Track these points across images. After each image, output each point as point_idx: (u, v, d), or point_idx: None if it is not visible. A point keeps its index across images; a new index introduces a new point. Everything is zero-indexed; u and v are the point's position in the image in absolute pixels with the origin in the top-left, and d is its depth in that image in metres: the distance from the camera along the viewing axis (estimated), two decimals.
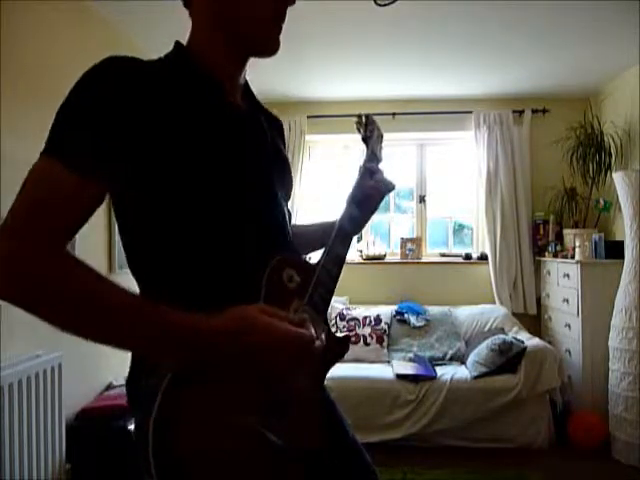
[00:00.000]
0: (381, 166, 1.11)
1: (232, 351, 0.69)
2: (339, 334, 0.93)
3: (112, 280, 0.70)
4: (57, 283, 0.67)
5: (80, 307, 0.68)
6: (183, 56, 0.85)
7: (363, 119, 1.17)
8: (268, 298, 0.79)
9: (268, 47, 0.87)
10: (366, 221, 1.06)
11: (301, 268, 0.86)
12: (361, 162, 1.10)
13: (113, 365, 2.69)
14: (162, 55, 0.86)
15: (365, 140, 1.15)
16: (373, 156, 1.12)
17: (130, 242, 0.82)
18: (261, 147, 0.90)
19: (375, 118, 1.21)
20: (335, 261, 0.91)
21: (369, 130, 1.16)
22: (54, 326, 0.68)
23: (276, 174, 0.92)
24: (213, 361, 0.70)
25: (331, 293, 0.89)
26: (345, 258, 0.93)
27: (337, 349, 0.93)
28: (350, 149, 4.44)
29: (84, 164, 0.70)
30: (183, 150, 0.76)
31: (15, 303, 0.67)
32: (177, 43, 0.88)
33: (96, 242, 2.64)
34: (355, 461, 1.00)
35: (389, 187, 1.06)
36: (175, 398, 0.68)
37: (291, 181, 1.01)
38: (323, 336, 0.82)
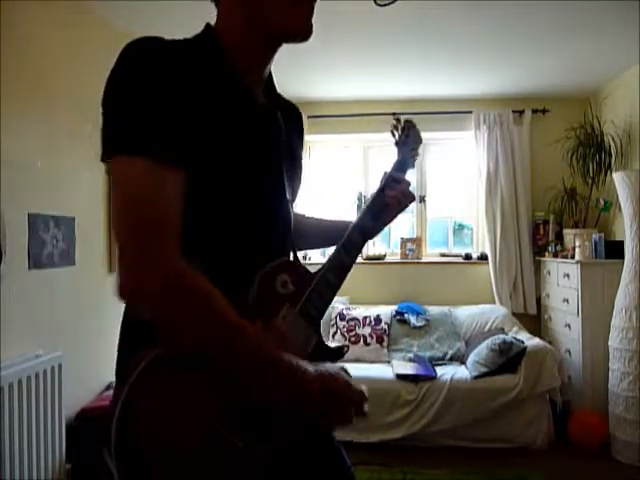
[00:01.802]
0: (408, 175, 1.08)
1: (316, 397, 0.73)
2: (332, 344, 0.91)
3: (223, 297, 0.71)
4: (192, 296, 0.69)
5: (208, 324, 0.69)
6: (212, 42, 0.83)
7: (401, 123, 1.13)
8: (259, 298, 0.81)
9: (296, 29, 0.83)
10: (378, 232, 1.05)
11: (298, 276, 0.86)
12: (388, 169, 1.07)
13: (113, 365, 2.69)
14: (190, 36, 0.84)
15: (398, 145, 1.11)
16: (402, 163, 1.08)
17: None
18: (275, 146, 0.89)
19: (415, 123, 1.15)
20: (338, 271, 0.90)
21: (405, 135, 1.12)
22: (176, 339, 0.70)
23: (287, 173, 0.91)
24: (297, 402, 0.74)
25: (327, 303, 0.88)
26: (350, 268, 0.92)
27: (327, 359, 0.89)
28: (350, 149, 4.44)
29: (173, 154, 0.70)
30: (208, 137, 0.75)
31: (150, 309, 0.69)
32: (207, 26, 0.85)
33: (96, 242, 2.64)
34: (332, 460, 0.99)
35: (409, 199, 1.04)
36: (148, 384, 0.70)
37: (300, 180, 1.00)
38: (312, 342, 0.86)
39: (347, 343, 3.52)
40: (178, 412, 0.71)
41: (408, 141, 1.11)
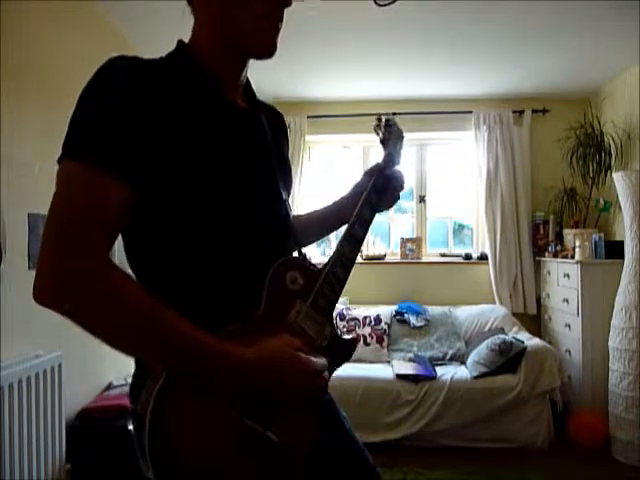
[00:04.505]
0: (398, 168, 1.12)
1: (262, 381, 0.73)
2: (346, 336, 0.92)
3: (154, 298, 0.71)
4: (107, 298, 0.68)
5: (129, 325, 0.69)
6: (186, 56, 0.86)
7: (383, 121, 1.16)
8: (270, 299, 0.81)
9: (262, 49, 0.86)
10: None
11: (306, 271, 0.87)
12: (377, 165, 1.09)
13: (113, 365, 2.69)
14: (164, 55, 0.86)
15: (383, 142, 1.13)
16: (390, 159, 1.11)
17: (133, 241, 0.82)
18: (264, 147, 0.90)
19: (396, 119, 1.18)
20: (344, 264, 0.91)
21: (387, 132, 1.14)
22: (101, 340, 0.70)
23: (279, 174, 0.93)
24: (239, 385, 0.73)
25: (337, 295, 0.90)
26: (354, 261, 0.93)
27: (342, 351, 0.92)
28: (350, 149, 4.45)
29: (117, 164, 0.70)
30: (191, 151, 0.76)
31: (62, 314, 0.68)
32: (180, 42, 0.89)
33: None
34: (355, 461, 1.00)
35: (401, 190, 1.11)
36: (172, 394, 0.71)
37: (291, 180, 1.02)
38: (327, 335, 0.86)
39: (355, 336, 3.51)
40: (205, 417, 0.73)
41: (391, 137, 1.14)
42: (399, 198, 1.12)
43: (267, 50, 0.87)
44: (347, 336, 0.94)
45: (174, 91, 0.77)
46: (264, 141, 0.91)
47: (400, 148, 1.16)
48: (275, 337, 0.77)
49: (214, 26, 0.85)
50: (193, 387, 0.73)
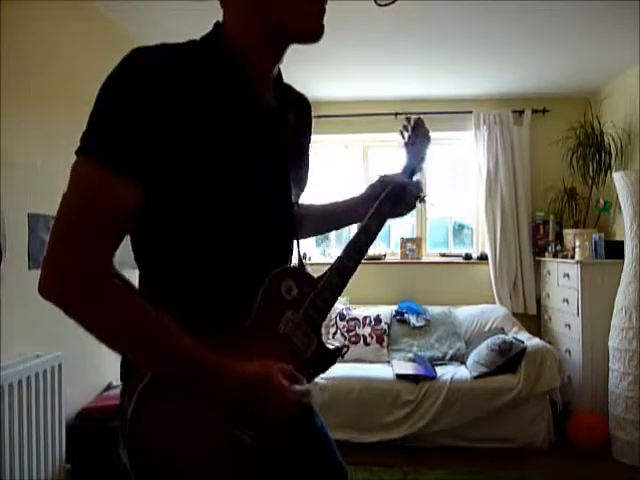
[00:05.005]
0: (417, 177, 1.08)
1: (244, 397, 0.74)
2: (331, 346, 0.92)
3: (150, 306, 0.72)
4: (110, 303, 0.70)
5: (128, 331, 0.71)
6: (217, 44, 0.81)
7: (411, 122, 1.11)
8: (263, 307, 0.82)
9: (309, 34, 0.82)
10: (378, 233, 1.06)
11: (302, 281, 0.87)
12: (396, 175, 1.06)
13: (113, 365, 2.68)
14: (199, 37, 0.83)
15: (406, 146, 1.10)
16: (409, 168, 1.08)
17: (137, 238, 0.81)
18: (282, 148, 0.87)
19: (423, 120, 1.14)
20: (342, 273, 0.91)
21: (414, 134, 1.10)
22: (100, 342, 0.71)
23: (294, 175, 0.91)
24: (221, 396, 0.74)
25: (331, 306, 0.90)
26: (354, 270, 0.93)
27: (326, 361, 0.92)
28: (350, 149, 4.44)
29: (130, 165, 0.69)
30: (204, 149, 0.75)
31: (65, 312, 0.69)
32: (216, 25, 0.84)
33: None
34: (325, 459, 1.00)
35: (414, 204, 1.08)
36: (154, 395, 0.72)
37: (306, 178, 0.99)
38: (313, 346, 0.87)
39: (347, 343, 3.51)
40: (186, 417, 0.74)
41: (417, 141, 1.11)
42: (414, 208, 1.08)
43: (314, 35, 0.82)
44: (332, 346, 0.93)
45: (195, 89, 0.74)
46: (284, 142, 0.88)
47: (425, 152, 1.12)
48: (267, 362, 0.77)
49: (248, 7, 0.80)
50: (183, 392, 0.74)
